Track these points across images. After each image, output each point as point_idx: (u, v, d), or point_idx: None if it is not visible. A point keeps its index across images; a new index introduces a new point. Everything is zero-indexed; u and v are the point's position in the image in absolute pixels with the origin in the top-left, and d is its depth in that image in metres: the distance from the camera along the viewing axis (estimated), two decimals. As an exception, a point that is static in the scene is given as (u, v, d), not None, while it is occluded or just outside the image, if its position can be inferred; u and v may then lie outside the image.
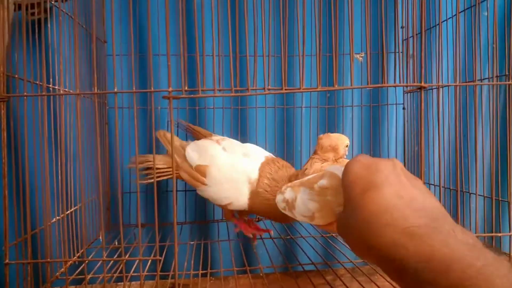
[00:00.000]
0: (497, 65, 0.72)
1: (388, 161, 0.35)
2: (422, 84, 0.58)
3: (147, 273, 0.66)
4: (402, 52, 0.98)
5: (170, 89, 0.55)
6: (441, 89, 0.66)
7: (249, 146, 0.83)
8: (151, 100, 0.96)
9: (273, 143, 1.05)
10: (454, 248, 0.28)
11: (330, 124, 1.06)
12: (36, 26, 0.72)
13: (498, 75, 0.78)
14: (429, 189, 0.52)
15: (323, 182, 0.43)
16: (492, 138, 0.77)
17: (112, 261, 0.69)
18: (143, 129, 1.00)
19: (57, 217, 0.71)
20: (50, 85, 0.75)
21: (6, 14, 0.61)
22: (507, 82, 0.73)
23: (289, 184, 0.50)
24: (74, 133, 0.74)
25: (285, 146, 1.05)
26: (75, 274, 0.70)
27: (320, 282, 0.73)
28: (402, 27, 0.97)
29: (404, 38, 1.00)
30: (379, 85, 0.60)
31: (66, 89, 0.73)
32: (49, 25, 0.78)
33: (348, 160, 0.37)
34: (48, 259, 0.61)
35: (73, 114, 0.74)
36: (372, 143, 1.07)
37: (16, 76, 0.61)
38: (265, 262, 0.92)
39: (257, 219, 0.98)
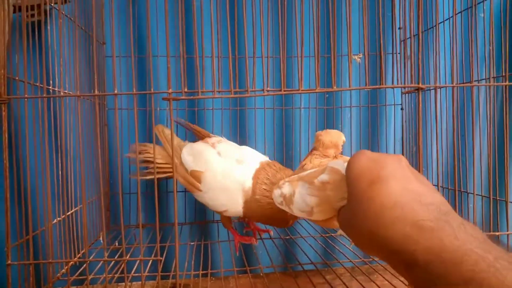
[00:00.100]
0: (494, 66, 0.72)
1: (394, 156, 0.35)
2: (420, 85, 0.59)
3: (148, 274, 0.67)
4: (400, 53, 0.99)
5: (170, 90, 0.55)
6: (438, 90, 0.66)
7: (244, 151, 0.82)
8: (150, 102, 0.96)
9: (272, 144, 1.05)
10: (465, 241, 0.27)
11: (329, 125, 1.07)
12: (36, 28, 0.73)
13: (495, 76, 0.79)
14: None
15: (324, 176, 0.42)
16: (489, 138, 0.78)
17: (113, 262, 0.70)
18: (143, 130, 1.01)
19: (58, 218, 0.72)
20: (50, 87, 0.76)
21: (6, 16, 0.62)
22: (504, 83, 0.74)
23: (287, 179, 0.50)
24: (74, 134, 0.74)
25: (284, 147, 1.06)
26: (76, 274, 0.70)
27: (319, 281, 0.73)
28: (399, 29, 0.98)
29: (402, 39, 1.01)
30: (377, 86, 0.61)
31: (66, 91, 0.73)
32: (48, 27, 0.79)
33: (353, 154, 0.36)
34: (50, 260, 0.61)
35: (73, 115, 0.74)
36: (370, 143, 1.07)
37: (17, 78, 0.62)
38: (265, 262, 0.92)
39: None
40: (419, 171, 0.59)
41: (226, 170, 0.76)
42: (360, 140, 1.08)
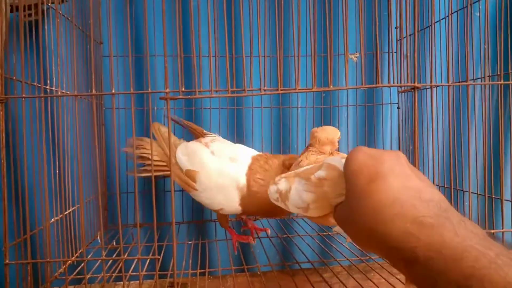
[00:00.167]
0: (489, 65, 0.73)
1: (392, 152, 0.35)
2: (416, 84, 0.59)
3: (145, 273, 0.67)
4: (396, 53, 0.99)
5: (167, 90, 0.55)
6: (434, 89, 0.67)
7: (237, 148, 0.82)
8: (147, 101, 0.97)
9: (269, 143, 1.06)
10: (465, 238, 0.27)
11: (326, 123, 1.07)
12: (33, 27, 0.73)
13: (490, 75, 0.80)
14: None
15: (321, 173, 0.42)
16: (484, 137, 0.78)
17: (111, 261, 0.70)
18: (140, 130, 1.01)
19: (56, 218, 0.72)
20: (48, 87, 0.76)
21: (3, 16, 0.61)
22: (499, 82, 0.74)
23: (283, 175, 0.50)
24: (71, 134, 0.74)
25: (281, 146, 1.06)
26: (74, 273, 0.70)
27: (316, 279, 0.74)
28: (396, 28, 0.98)
29: (398, 39, 1.01)
30: (373, 85, 0.61)
31: (64, 91, 0.73)
32: (46, 26, 0.79)
33: (351, 150, 0.36)
34: (48, 259, 0.61)
35: (70, 115, 0.74)
36: (367, 142, 1.08)
37: (14, 77, 0.62)
38: (262, 261, 0.93)
39: (254, 218, 0.99)
40: (415, 169, 0.60)
41: (220, 169, 0.76)
42: (357, 139, 1.09)
